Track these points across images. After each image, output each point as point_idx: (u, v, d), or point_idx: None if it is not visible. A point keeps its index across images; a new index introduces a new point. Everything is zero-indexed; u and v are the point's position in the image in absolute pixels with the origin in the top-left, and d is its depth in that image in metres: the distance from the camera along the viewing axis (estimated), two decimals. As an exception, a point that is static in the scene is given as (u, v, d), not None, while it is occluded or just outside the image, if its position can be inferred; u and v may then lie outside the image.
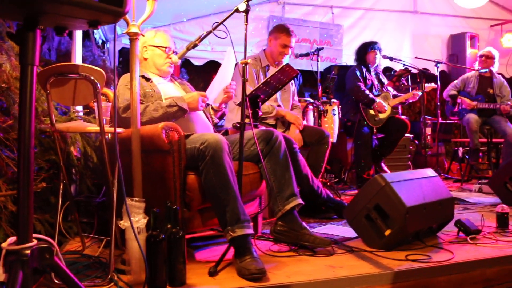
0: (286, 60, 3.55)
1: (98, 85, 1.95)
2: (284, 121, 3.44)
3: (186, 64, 5.33)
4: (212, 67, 5.37)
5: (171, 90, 2.57)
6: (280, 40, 3.46)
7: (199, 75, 6.14)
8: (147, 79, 2.53)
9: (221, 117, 2.77)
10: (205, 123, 2.55)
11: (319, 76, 4.13)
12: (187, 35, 4.81)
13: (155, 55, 2.59)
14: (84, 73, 1.93)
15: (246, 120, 2.26)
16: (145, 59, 2.60)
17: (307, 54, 4.22)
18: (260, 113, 2.40)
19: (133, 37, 2.04)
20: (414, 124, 5.55)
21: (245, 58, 2.19)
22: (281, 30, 3.45)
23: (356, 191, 4.20)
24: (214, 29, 2.20)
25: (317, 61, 4.09)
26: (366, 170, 4.32)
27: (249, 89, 2.56)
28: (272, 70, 3.48)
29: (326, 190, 3.03)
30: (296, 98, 3.67)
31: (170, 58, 2.58)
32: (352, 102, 4.44)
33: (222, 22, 2.18)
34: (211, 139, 2.09)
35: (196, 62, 5.14)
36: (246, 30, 2.11)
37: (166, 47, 2.58)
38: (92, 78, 1.94)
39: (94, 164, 2.57)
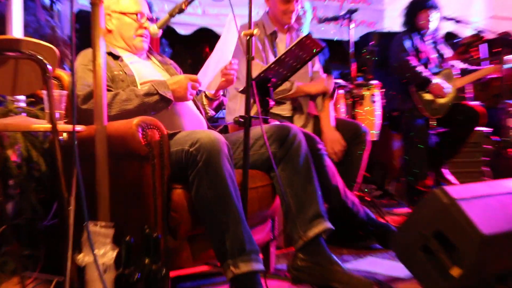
0: (306, 27, 3.63)
1: (49, 66, 1.99)
2: (305, 111, 3.52)
3: (168, 33, 5.36)
4: (204, 37, 5.46)
5: (149, 72, 2.63)
6: None
7: (186, 48, 6.19)
8: (115, 57, 2.59)
9: (218, 108, 2.83)
10: (196, 116, 2.60)
11: (352, 48, 4.16)
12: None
13: (122, 24, 2.67)
14: (28, 51, 1.97)
15: (253, 112, 2.32)
16: (109, 31, 2.68)
17: (335, 18, 4.27)
18: (272, 103, 2.46)
19: (96, 0, 2.09)
20: (491, 113, 5.46)
21: (249, 26, 2.25)
22: None
23: (407, 210, 4.22)
24: None
25: (349, 26, 4.12)
26: (421, 180, 4.34)
27: (257, 70, 2.64)
28: (282, 38, 3.58)
29: (364, 208, 3.08)
30: (318, 69, 3.74)
31: (144, 28, 2.66)
32: (399, 83, 4.47)
33: None
34: (205, 139, 2.14)
35: (182, 31, 5.21)
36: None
37: (137, 13, 2.66)
38: (39, 57, 1.97)
39: (42, 173, 2.59)
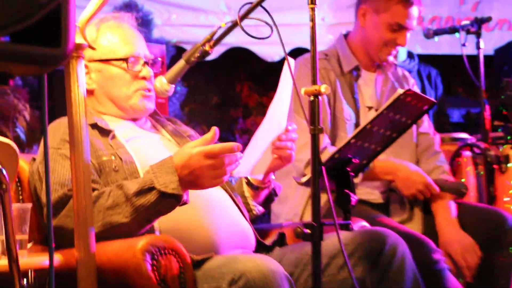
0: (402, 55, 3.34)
1: (6, 175, 1.80)
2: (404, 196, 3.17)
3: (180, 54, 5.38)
4: (240, 60, 5.22)
5: (157, 152, 2.36)
6: (391, 13, 3.18)
7: (213, 80, 5.90)
8: (104, 132, 2.35)
9: (269, 202, 2.60)
10: (233, 220, 2.35)
11: (482, 78, 3.58)
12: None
13: (107, 79, 2.43)
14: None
15: (324, 214, 2.19)
16: (90, 92, 2.42)
17: (453, 31, 3.66)
18: (354, 199, 2.19)
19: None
20: None
21: (313, 66, 1.99)
22: None
23: None
24: (242, 18, 2.11)
25: (478, 39, 3.54)
26: None
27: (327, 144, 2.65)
28: (368, 79, 3.30)
29: None
30: (427, 129, 3.35)
31: (143, 78, 2.41)
32: None
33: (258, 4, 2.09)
34: (253, 273, 1.93)
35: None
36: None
37: (127, 58, 2.41)
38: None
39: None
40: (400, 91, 2.32)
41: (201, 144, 2.05)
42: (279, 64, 2.30)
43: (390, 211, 3.19)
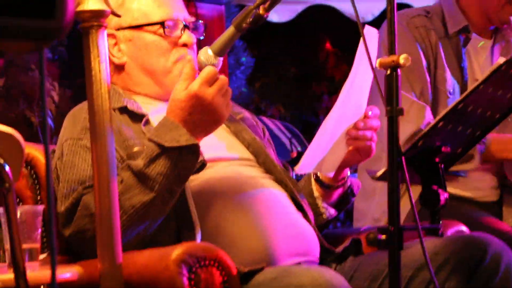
0: None
1: (9, 172, 1.85)
2: None
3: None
4: (317, 24, 5.34)
5: (204, 142, 2.37)
6: None
7: (287, 49, 5.91)
8: (136, 117, 2.41)
9: (344, 202, 2.64)
10: (288, 218, 2.37)
11: None
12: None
13: (141, 49, 2.48)
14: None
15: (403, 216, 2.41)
16: (119, 66, 2.50)
17: None
18: (444, 196, 2.17)
19: (89, 23, 1.92)
20: None
21: (389, 21, 1.99)
22: None
23: None
24: None
25: None
26: None
27: (409, 128, 2.73)
28: (480, 47, 3.28)
29: None
30: None
31: (184, 45, 2.45)
32: None
33: None
34: (309, 286, 1.97)
35: (275, 16, 5.43)
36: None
37: (164, 21, 2.45)
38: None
39: None
40: (501, 60, 2.27)
41: (187, 80, 2.12)
42: (375, 25, 2.26)
43: (502, 213, 3.18)
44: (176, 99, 2.17)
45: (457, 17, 3.22)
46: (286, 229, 2.32)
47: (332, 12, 5.40)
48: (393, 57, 1.94)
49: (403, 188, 3.02)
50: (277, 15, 5.17)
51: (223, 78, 2.17)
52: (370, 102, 2.47)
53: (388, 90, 1.98)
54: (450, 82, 3.15)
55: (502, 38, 3.25)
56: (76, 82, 3.75)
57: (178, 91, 2.17)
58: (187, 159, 2.14)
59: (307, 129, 6.11)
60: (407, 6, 5.63)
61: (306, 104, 6.26)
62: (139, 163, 2.15)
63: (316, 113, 6.39)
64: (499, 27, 3.23)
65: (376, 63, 2.02)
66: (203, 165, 2.19)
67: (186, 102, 2.14)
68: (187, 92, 2.14)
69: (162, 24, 2.42)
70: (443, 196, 2.18)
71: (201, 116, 2.15)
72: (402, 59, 1.92)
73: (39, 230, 2.03)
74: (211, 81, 2.13)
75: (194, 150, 2.13)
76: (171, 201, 2.13)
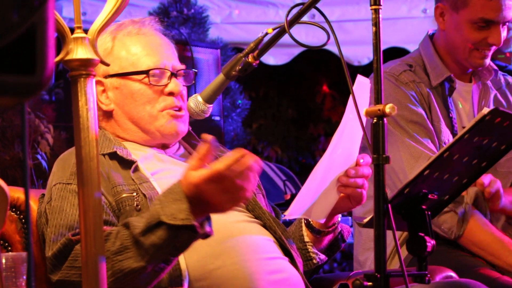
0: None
1: None
2: None
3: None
4: (321, 65, 5.45)
5: None
6: (472, 7, 3.15)
7: (284, 91, 5.91)
8: (125, 163, 2.38)
9: (334, 248, 2.63)
10: (274, 263, 2.35)
11: None
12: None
13: (127, 97, 2.48)
14: None
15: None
16: (109, 113, 2.49)
17: None
18: (431, 243, 2.14)
19: (77, 72, 1.90)
20: None
21: (376, 72, 2.01)
22: None
23: None
24: (291, 24, 2.20)
25: None
26: None
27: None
28: (464, 91, 3.31)
29: None
30: None
31: (170, 94, 2.44)
32: None
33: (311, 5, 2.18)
34: None
35: (271, 59, 5.41)
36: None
37: (152, 69, 2.45)
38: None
39: None
40: (485, 110, 2.24)
41: (196, 168, 1.98)
42: (369, 69, 2.26)
43: None
44: (187, 175, 2.05)
45: (438, 68, 3.24)
46: (272, 274, 2.30)
47: (328, 55, 5.41)
48: (379, 106, 1.96)
49: (404, 234, 3.02)
50: (273, 58, 5.17)
51: (230, 179, 1.98)
52: (364, 150, 2.48)
53: (374, 138, 2.00)
54: (445, 133, 3.17)
55: (479, 79, 3.26)
56: (72, 124, 3.78)
57: (189, 171, 2.05)
58: (184, 237, 2.04)
59: (304, 170, 6.09)
60: (402, 49, 5.66)
61: (303, 146, 6.24)
62: (137, 226, 2.06)
63: (313, 155, 6.38)
64: (475, 71, 3.25)
65: (363, 111, 2.03)
66: (207, 237, 2.06)
67: (192, 187, 2.02)
68: (192, 180, 2.01)
69: (147, 72, 2.43)
70: (430, 243, 2.15)
71: (200, 201, 2.03)
72: (388, 108, 1.93)
73: (24, 277, 1.93)
74: (214, 179, 1.98)
75: (192, 229, 2.01)
76: (166, 269, 2.07)
